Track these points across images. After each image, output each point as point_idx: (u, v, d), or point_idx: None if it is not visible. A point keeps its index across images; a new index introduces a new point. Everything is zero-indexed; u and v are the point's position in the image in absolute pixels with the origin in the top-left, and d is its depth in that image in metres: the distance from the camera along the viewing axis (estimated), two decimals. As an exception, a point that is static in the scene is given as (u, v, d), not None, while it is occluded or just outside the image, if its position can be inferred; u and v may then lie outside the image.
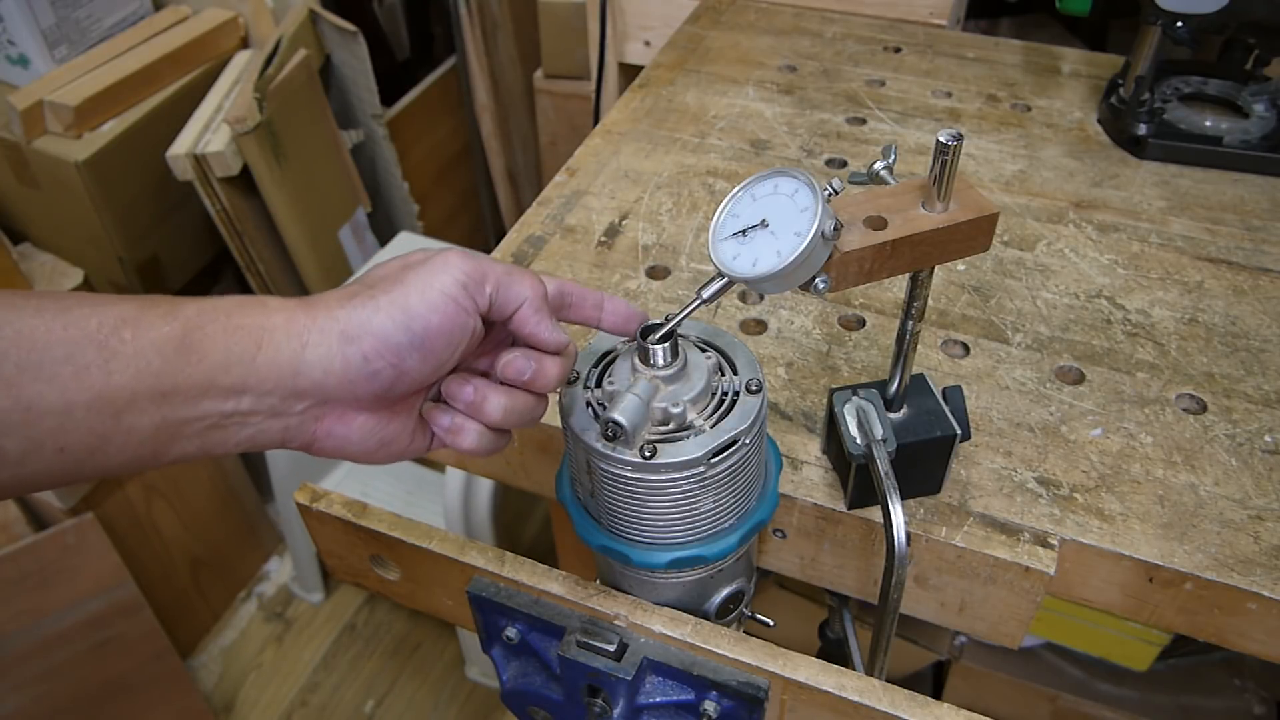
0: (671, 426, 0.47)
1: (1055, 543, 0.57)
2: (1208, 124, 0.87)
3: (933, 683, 1.09)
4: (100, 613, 1.26)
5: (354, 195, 1.63)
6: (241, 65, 1.44)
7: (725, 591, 0.54)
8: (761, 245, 0.44)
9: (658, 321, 0.48)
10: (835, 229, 0.43)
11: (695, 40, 1.08)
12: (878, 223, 0.46)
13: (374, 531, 0.57)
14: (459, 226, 2.05)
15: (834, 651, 0.72)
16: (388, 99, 1.71)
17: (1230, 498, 0.59)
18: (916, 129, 0.92)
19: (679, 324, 0.47)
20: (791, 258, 0.43)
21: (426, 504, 1.37)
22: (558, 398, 0.50)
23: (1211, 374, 0.67)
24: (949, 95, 0.97)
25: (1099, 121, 0.92)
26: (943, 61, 1.03)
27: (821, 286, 0.45)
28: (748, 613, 0.58)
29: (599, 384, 0.49)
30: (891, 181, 0.50)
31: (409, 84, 1.83)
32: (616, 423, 0.45)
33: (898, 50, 1.05)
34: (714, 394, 0.48)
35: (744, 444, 0.47)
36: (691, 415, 0.47)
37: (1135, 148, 0.88)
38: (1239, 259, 0.77)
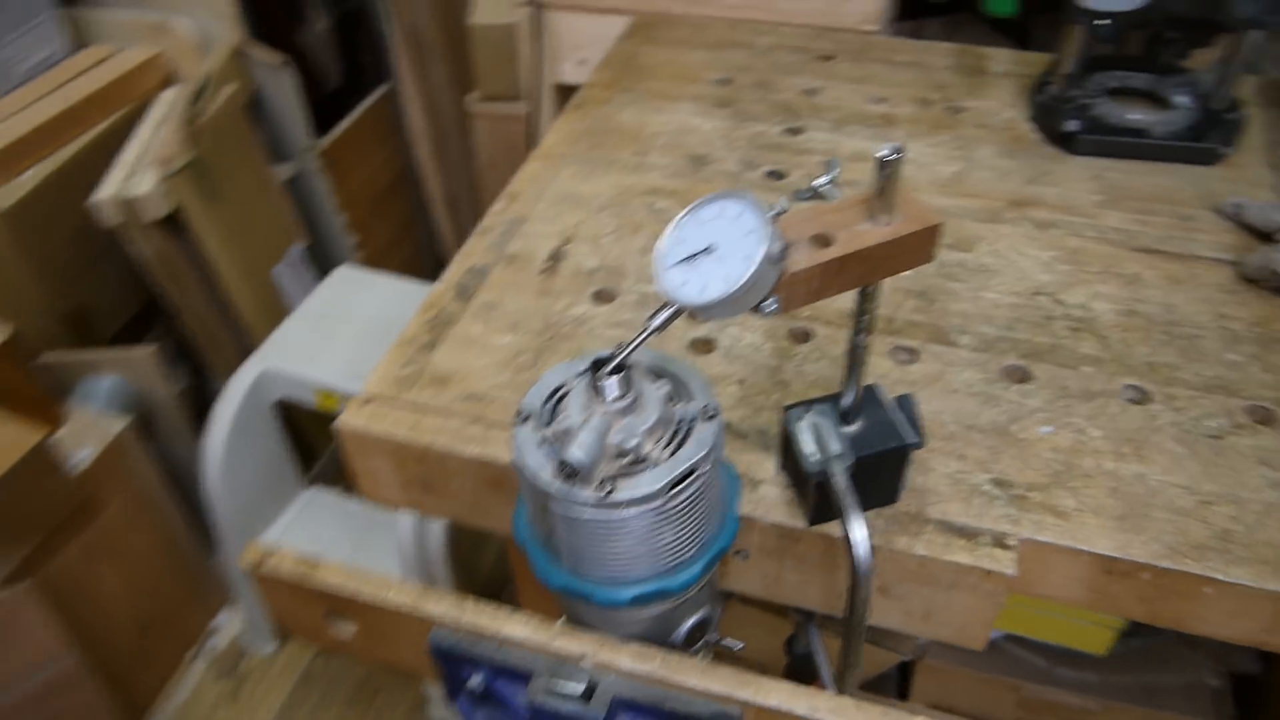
0: (628, 460, 0.46)
1: (1014, 544, 0.57)
2: (1134, 117, 0.89)
3: (898, 683, 1.09)
4: (47, 683, 1.21)
5: (289, 231, 1.60)
6: (167, 104, 1.40)
7: (691, 621, 0.53)
8: (709, 271, 0.44)
9: (608, 353, 0.47)
10: (783, 251, 0.43)
11: (629, 58, 1.08)
12: (824, 240, 0.46)
13: (327, 588, 0.55)
14: (399, 255, 2.03)
15: (801, 666, 0.72)
16: (320, 129, 1.69)
17: (1179, 485, 0.60)
18: (852, 136, 0.93)
19: (629, 356, 0.46)
20: (740, 283, 0.42)
21: (379, 544, 1.34)
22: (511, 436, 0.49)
23: (1153, 364, 0.68)
24: (883, 101, 0.98)
25: (1030, 119, 0.94)
26: (875, 68, 1.03)
27: (771, 309, 0.45)
28: (715, 638, 0.58)
29: (550, 421, 0.49)
30: (835, 196, 0.50)
31: (341, 113, 1.80)
32: (572, 462, 0.44)
33: (830, 58, 1.06)
34: (669, 423, 0.48)
35: (702, 473, 0.46)
36: (648, 447, 0.46)
37: (1066, 144, 0.89)
38: (1172, 248, 0.78)
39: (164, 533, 1.48)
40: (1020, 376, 0.68)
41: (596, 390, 0.47)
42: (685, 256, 0.45)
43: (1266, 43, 0.87)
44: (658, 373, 0.50)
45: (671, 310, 0.45)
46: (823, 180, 0.51)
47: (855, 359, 0.54)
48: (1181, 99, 0.90)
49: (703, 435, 0.47)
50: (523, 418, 0.49)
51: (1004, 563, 0.56)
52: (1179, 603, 0.58)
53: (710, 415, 0.48)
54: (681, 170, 0.90)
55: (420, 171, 1.90)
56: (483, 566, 1.44)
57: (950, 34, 1.88)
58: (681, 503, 0.46)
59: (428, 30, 1.73)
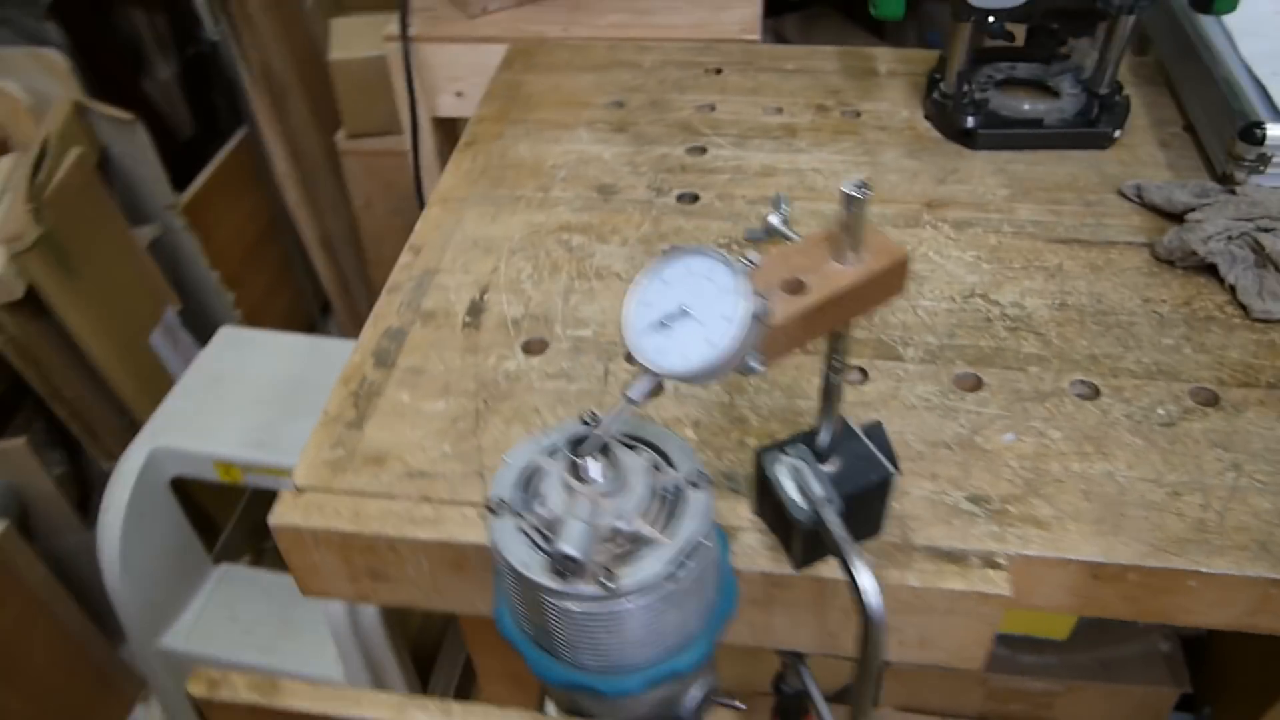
0: (622, 543, 0.43)
1: (1004, 562, 0.56)
2: (1027, 107, 0.90)
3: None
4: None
5: (159, 295, 1.48)
6: (4, 175, 1.28)
7: (699, 692, 0.50)
8: (687, 336, 0.40)
9: (584, 429, 0.43)
10: (764, 307, 0.40)
11: (513, 87, 1.04)
12: (795, 286, 0.44)
13: (293, 711, 0.50)
14: (278, 306, 1.92)
15: (790, 706, 0.70)
16: (178, 183, 1.58)
17: (1146, 479, 0.60)
18: (757, 150, 0.92)
19: (609, 432, 0.42)
20: (725, 347, 0.39)
21: (306, 618, 1.26)
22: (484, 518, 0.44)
23: (1094, 356, 0.69)
24: (780, 111, 0.97)
25: (926, 118, 0.94)
26: (765, 77, 1.02)
27: (757, 367, 0.42)
28: (717, 699, 0.55)
29: (528, 507, 0.44)
30: (791, 235, 0.48)
31: (199, 163, 1.69)
32: (569, 557, 0.40)
33: (719, 71, 1.04)
34: (657, 496, 0.44)
35: (705, 546, 0.43)
36: (641, 526, 0.43)
37: (967, 139, 0.90)
38: (1086, 236, 0.79)
39: (64, 635, 1.35)
40: (973, 384, 0.67)
41: (576, 472, 0.43)
42: (657, 321, 0.41)
43: (1139, 26, 0.89)
44: (633, 441, 0.47)
45: (651, 380, 0.42)
46: (774, 218, 0.49)
47: (830, 397, 0.51)
48: (1068, 87, 0.92)
49: (698, 506, 0.44)
50: (497, 508, 0.44)
51: (999, 584, 0.55)
52: (1165, 598, 0.58)
53: (695, 484, 0.45)
54: (590, 202, 0.86)
55: (292, 216, 1.81)
56: (412, 625, 1.37)
57: (809, 28, 1.91)
58: (687, 581, 0.43)
59: (283, 69, 1.64)
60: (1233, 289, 0.72)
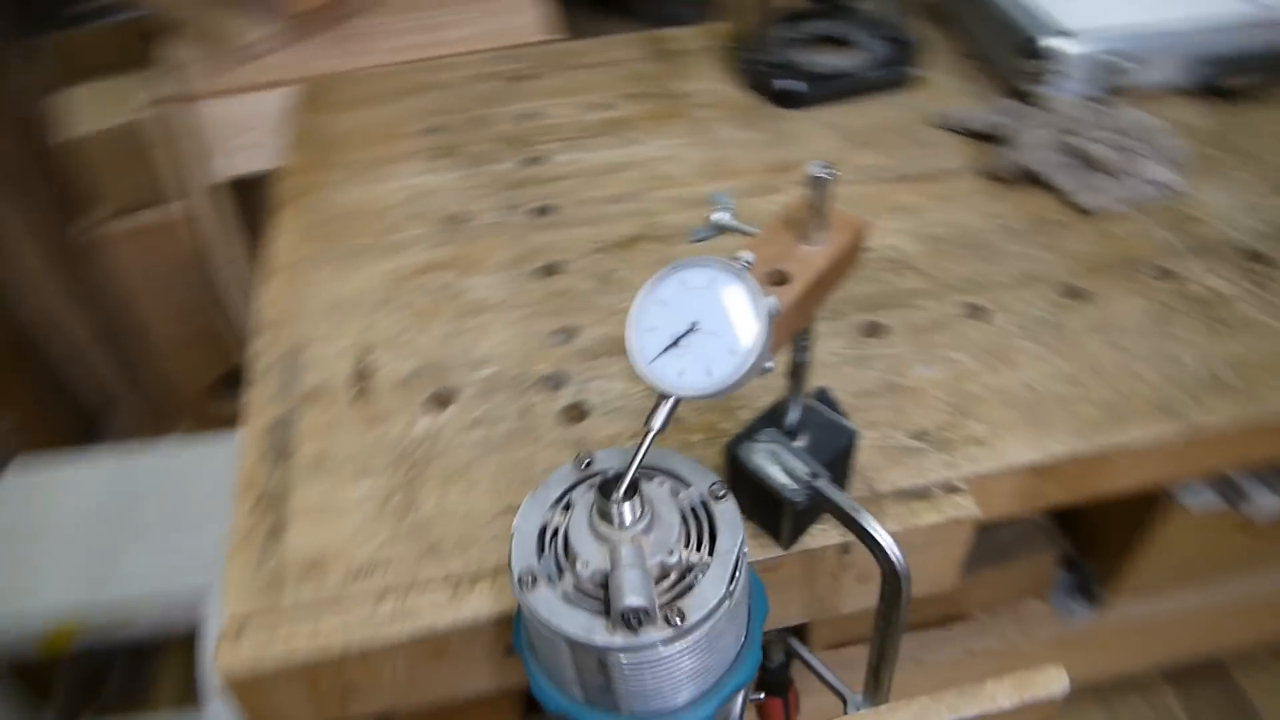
0: (673, 578, 0.42)
1: (963, 485, 0.60)
2: (834, 61, 0.95)
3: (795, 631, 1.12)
4: None
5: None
6: None
7: (742, 701, 0.50)
8: (705, 350, 0.40)
9: (608, 472, 0.42)
10: (777, 305, 0.40)
11: (316, 131, 0.97)
12: (778, 276, 0.44)
13: None
14: (46, 431, 1.70)
15: (774, 680, 0.71)
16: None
17: (1051, 376, 0.66)
18: (596, 149, 0.91)
19: (638, 469, 0.41)
20: (750, 352, 0.39)
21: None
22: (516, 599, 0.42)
23: (969, 278, 0.74)
24: (602, 106, 0.97)
25: (744, 88, 0.97)
26: (575, 75, 1.02)
27: (770, 366, 0.42)
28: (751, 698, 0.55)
29: (562, 571, 0.42)
30: (747, 229, 0.48)
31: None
32: (637, 609, 0.38)
33: (527, 77, 1.02)
34: (688, 520, 0.43)
35: (745, 554, 0.43)
36: (686, 555, 0.42)
37: (787, 101, 0.93)
38: (925, 170, 0.85)
39: None
40: (876, 330, 0.71)
41: (606, 518, 0.42)
42: (667, 344, 0.40)
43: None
44: (643, 469, 0.46)
45: (670, 404, 0.41)
46: (720, 215, 0.49)
47: (798, 376, 0.52)
48: (864, 36, 0.97)
49: (728, 517, 0.43)
50: (530, 581, 0.42)
51: (967, 506, 0.59)
52: (1095, 477, 0.63)
53: (721, 494, 0.44)
54: (443, 236, 0.83)
55: (53, 319, 1.62)
56: None
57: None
58: (739, 593, 0.42)
59: (12, 158, 1.46)
60: (1061, 192, 0.80)
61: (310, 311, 0.77)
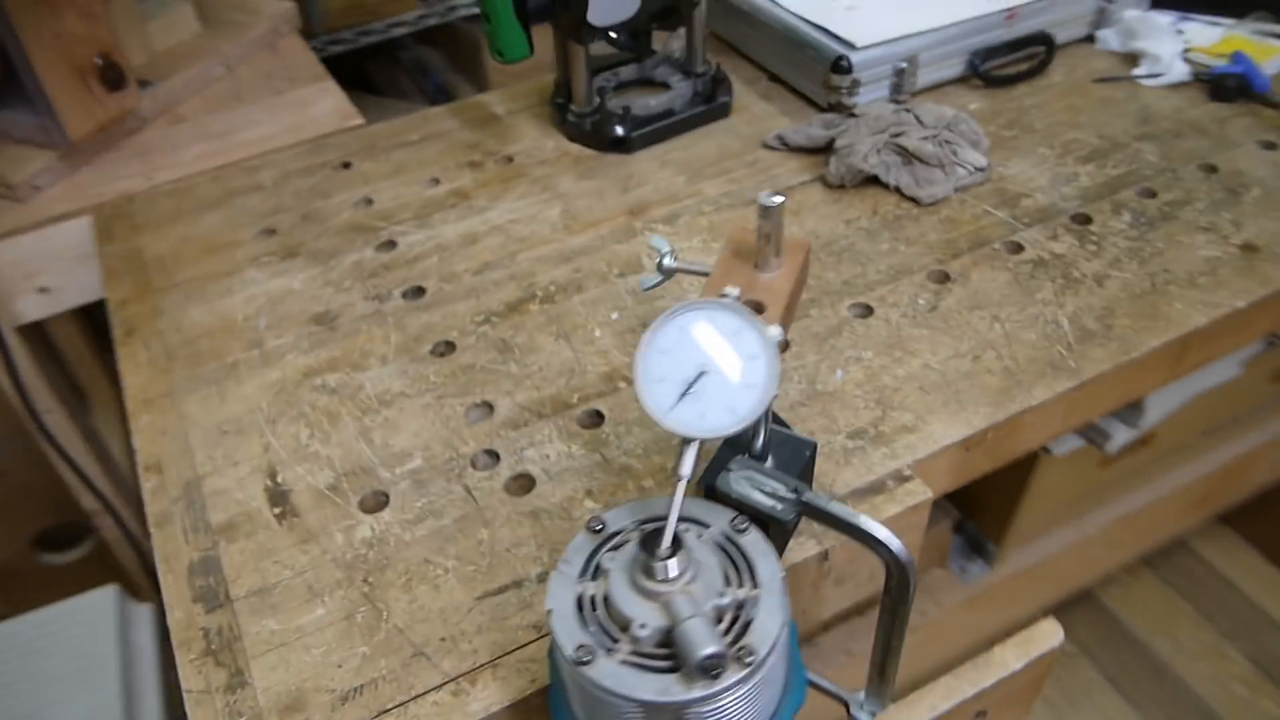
0: (729, 618, 0.41)
1: (910, 471, 0.63)
2: (657, 103, 0.98)
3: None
4: None
5: None
6: None
7: None
8: (721, 391, 0.40)
9: (644, 530, 0.41)
10: (781, 332, 0.41)
11: (134, 256, 0.90)
12: (754, 306, 0.45)
13: None
14: None
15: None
16: None
17: (952, 356, 0.71)
18: (444, 223, 0.89)
19: (676, 522, 0.41)
20: (766, 383, 0.40)
21: None
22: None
23: (847, 281, 0.79)
24: (437, 181, 0.95)
25: (573, 139, 0.99)
26: (401, 154, 1.00)
27: (776, 392, 0.43)
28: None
29: (616, 639, 0.41)
30: (697, 268, 0.49)
31: None
32: (714, 656, 0.38)
33: (348, 165, 0.99)
34: (725, 557, 0.44)
35: (784, 578, 0.43)
36: (734, 594, 0.42)
37: (622, 147, 0.96)
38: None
39: None
40: (780, 345, 0.73)
41: (651, 575, 0.41)
42: (680, 392, 0.41)
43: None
44: (653, 523, 0.46)
45: (695, 448, 0.41)
46: (666, 259, 0.49)
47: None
48: (674, 76, 1.02)
49: (758, 545, 0.44)
50: (587, 657, 0.41)
51: (919, 490, 0.62)
52: (1010, 441, 0.69)
53: (742, 529, 0.45)
54: (317, 338, 0.78)
55: None
56: None
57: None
58: (788, 615, 0.43)
59: None
60: (898, 189, 0.86)
61: (195, 444, 0.70)
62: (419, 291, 0.82)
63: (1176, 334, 0.71)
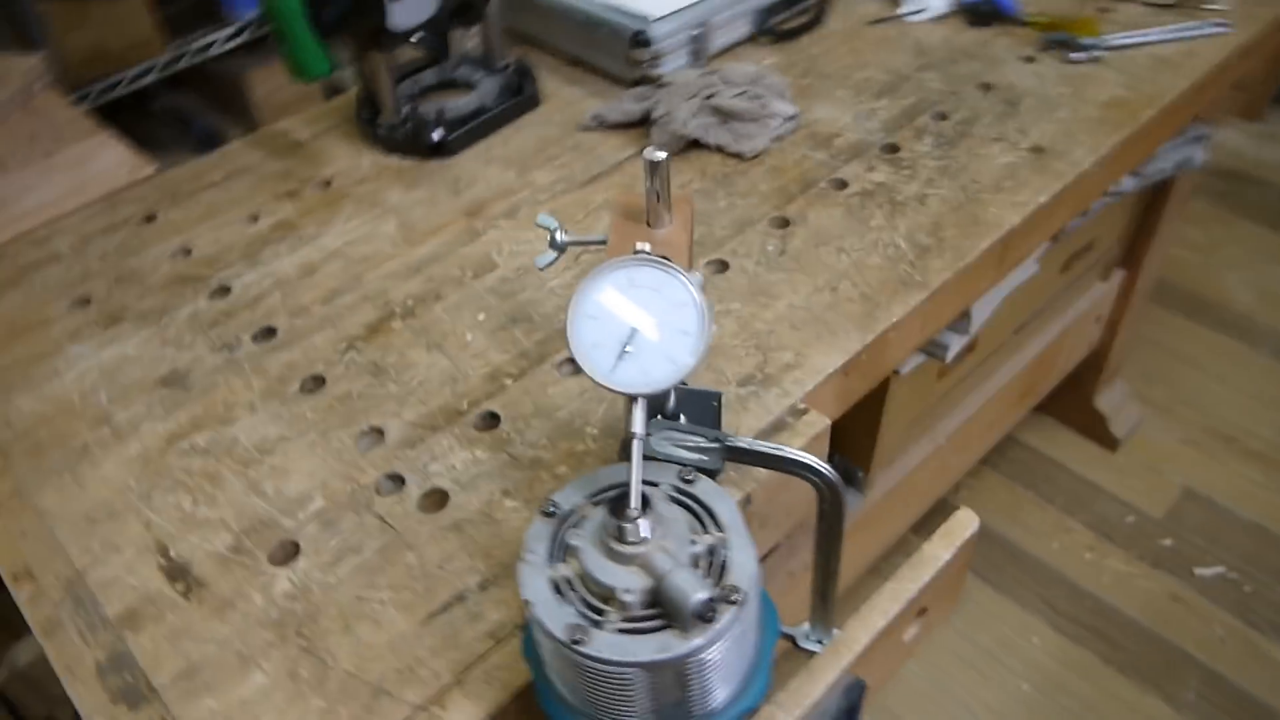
0: (706, 563, 0.43)
1: (804, 405, 0.67)
2: (467, 102, 0.97)
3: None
4: None
5: None
6: None
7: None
8: (659, 345, 0.41)
9: (604, 491, 0.42)
10: (701, 279, 0.43)
11: (-72, 356, 0.80)
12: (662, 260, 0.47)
13: None
14: None
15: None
16: None
17: (812, 291, 0.75)
18: (276, 259, 0.85)
19: (639, 485, 0.42)
20: (702, 327, 0.41)
21: None
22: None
23: (699, 240, 0.81)
24: (256, 218, 0.91)
25: (390, 151, 0.96)
26: (209, 195, 0.94)
27: (712, 334, 0.44)
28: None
29: (602, 610, 0.42)
30: (591, 239, 0.50)
31: None
32: (707, 600, 0.40)
33: (152, 218, 0.92)
34: (686, 509, 0.45)
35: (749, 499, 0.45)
36: (707, 539, 0.44)
37: (441, 151, 0.94)
38: (600, 168, 0.91)
39: None
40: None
41: (624, 539, 0.42)
42: (618, 352, 0.41)
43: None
44: (613, 485, 0.46)
45: (643, 405, 0.42)
46: (557, 233, 0.50)
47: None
48: (478, 74, 1.01)
49: (714, 490, 0.46)
50: (581, 636, 0.41)
51: (818, 421, 0.66)
52: (880, 359, 0.74)
53: (689, 479, 0.46)
54: (172, 399, 0.73)
55: None
56: None
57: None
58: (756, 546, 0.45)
59: None
60: (719, 148, 0.90)
61: (64, 539, 0.65)
62: (270, 332, 0.78)
63: (998, 235, 0.78)
